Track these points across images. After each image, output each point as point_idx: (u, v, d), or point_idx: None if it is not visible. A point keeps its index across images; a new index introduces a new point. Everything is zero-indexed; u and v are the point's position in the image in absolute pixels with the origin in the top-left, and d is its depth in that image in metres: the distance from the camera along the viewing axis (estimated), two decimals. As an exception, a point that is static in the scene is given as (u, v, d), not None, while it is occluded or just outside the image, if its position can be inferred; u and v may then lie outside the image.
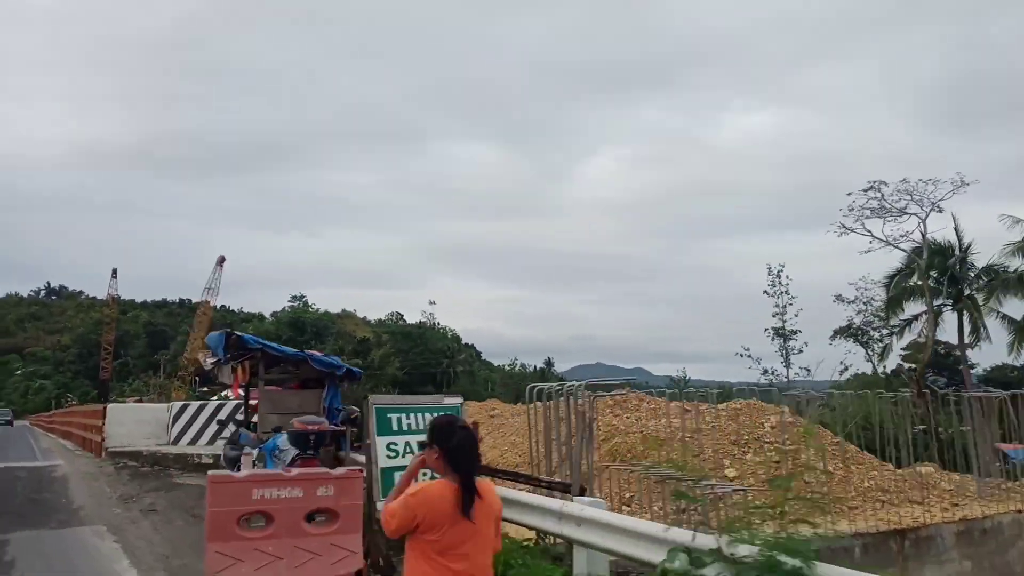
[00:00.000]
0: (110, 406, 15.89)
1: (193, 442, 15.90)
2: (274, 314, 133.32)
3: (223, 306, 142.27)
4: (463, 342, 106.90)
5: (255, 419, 13.03)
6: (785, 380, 32.43)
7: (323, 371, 11.99)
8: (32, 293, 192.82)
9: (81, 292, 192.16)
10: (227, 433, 13.70)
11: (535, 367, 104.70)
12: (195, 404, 16.26)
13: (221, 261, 71.02)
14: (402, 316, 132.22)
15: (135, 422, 16.21)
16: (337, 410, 12.49)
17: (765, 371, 34.67)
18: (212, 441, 15.50)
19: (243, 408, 13.81)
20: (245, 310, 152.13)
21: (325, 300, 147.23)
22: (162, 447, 15.90)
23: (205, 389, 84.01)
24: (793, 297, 32.66)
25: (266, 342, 11.84)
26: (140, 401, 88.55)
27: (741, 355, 33.89)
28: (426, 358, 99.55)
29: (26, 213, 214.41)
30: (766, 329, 33.48)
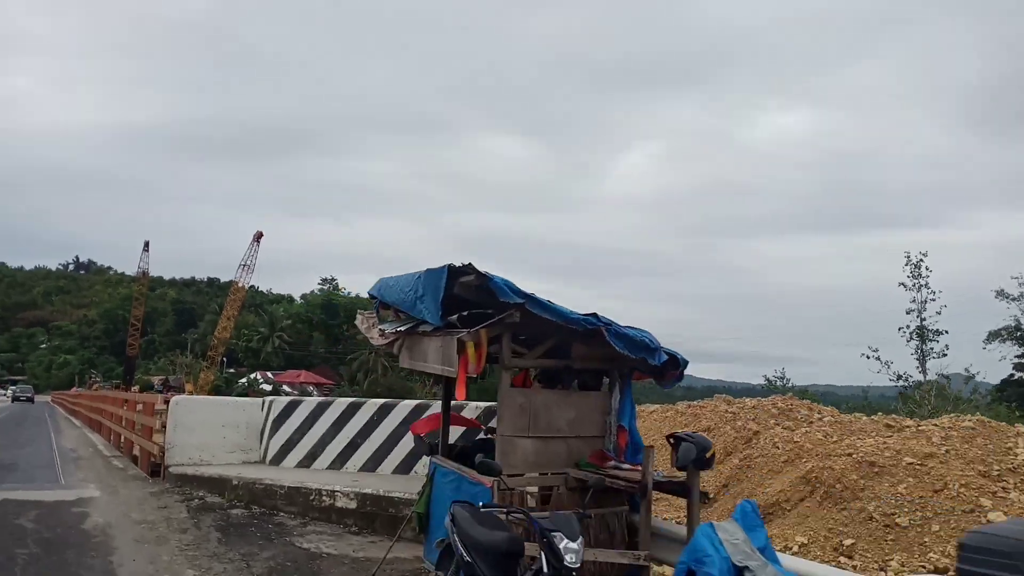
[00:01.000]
0: (177, 401, 9.84)
1: (308, 463, 9.81)
2: (303, 296, 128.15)
3: (252, 286, 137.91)
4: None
5: (454, 437, 7.10)
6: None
7: (625, 356, 5.84)
8: (60, 266, 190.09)
9: (110, 268, 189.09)
10: (425, 464, 7.50)
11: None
12: (308, 401, 10.15)
13: (258, 237, 65.36)
14: None
15: (215, 426, 10.14)
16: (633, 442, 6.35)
17: (899, 376, 28.88)
18: (371, 467, 9.43)
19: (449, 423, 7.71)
20: (274, 291, 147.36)
21: (353, 284, 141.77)
22: (258, 469, 9.87)
23: (232, 370, 78.17)
24: (935, 292, 26.81)
25: (533, 295, 5.69)
26: (166, 382, 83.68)
27: (868, 356, 28.37)
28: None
29: (58, 192, 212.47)
30: (900, 328, 27.74)
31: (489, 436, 7.18)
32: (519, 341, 6.53)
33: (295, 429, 9.93)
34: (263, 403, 10.61)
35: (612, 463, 6.01)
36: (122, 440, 15.22)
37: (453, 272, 5.74)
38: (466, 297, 5.91)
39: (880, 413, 13.57)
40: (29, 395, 69.38)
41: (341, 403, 9.88)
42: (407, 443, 9.28)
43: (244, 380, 75.18)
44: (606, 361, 6.29)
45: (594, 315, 5.77)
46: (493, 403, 9.66)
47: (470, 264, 5.53)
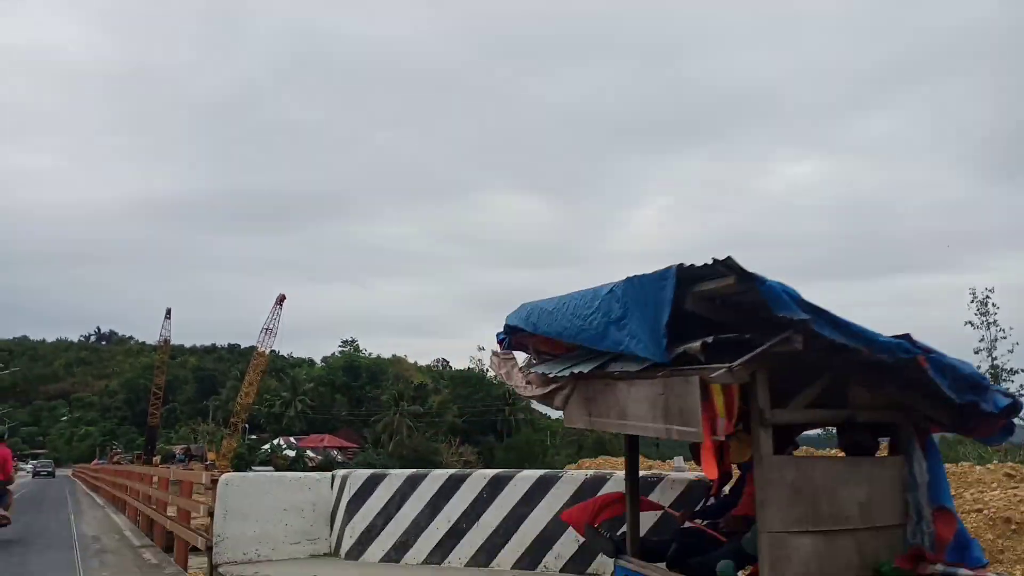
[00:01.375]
0: (227, 481, 7.74)
1: (397, 556, 7.63)
2: (324, 359, 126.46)
3: (273, 351, 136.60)
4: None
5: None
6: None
7: (930, 400, 3.69)
8: (82, 338, 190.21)
9: (131, 337, 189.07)
10: (561, 557, 5.26)
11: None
12: (395, 475, 8.02)
13: (281, 300, 63.98)
14: (448, 363, 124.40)
15: (275, 511, 8.02)
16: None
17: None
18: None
19: (712, 496, 5.49)
20: (295, 355, 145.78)
21: (373, 347, 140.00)
22: (332, 565, 7.71)
23: (254, 436, 75.84)
24: (1006, 329, 24.67)
25: (821, 307, 3.62)
26: (188, 451, 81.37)
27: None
28: (487, 404, 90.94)
29: (81, 264, 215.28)
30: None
31: (694, 524, 5.03)
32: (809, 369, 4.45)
33: (378, 512, 7.78)
34: (333, 479, 8.49)
35: (939, 569, 3.86)
36: (152, 524, 13.07)
37: (686, 275, 3.72)
38: (701, 315, 3.88)
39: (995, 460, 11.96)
40: (50, 469, 67.56)
41: (438, 476, 7.72)
42: (530, 528, 7.12)
43: (267, 446, 72.84)
44: (893, 408, 4.19)
45: (907, 336, 3.70)
46: (497, 470, 7.60)
47: (727, 258, 3.51)
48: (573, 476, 7.36)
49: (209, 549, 8.09)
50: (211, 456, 64.99)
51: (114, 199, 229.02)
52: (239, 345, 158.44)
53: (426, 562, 7.48)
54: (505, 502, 7.30)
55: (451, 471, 8.01)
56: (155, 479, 14.22)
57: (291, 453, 70.72)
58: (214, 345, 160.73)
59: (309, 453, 72.35)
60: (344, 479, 8.20)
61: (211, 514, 8.16)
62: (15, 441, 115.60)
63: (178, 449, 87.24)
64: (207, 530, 8.50)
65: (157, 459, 71.55)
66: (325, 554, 8.21)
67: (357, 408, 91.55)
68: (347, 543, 7.93)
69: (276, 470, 71.10)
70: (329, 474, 8.70)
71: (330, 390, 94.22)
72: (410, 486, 7.72)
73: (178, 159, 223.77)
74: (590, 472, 7.63)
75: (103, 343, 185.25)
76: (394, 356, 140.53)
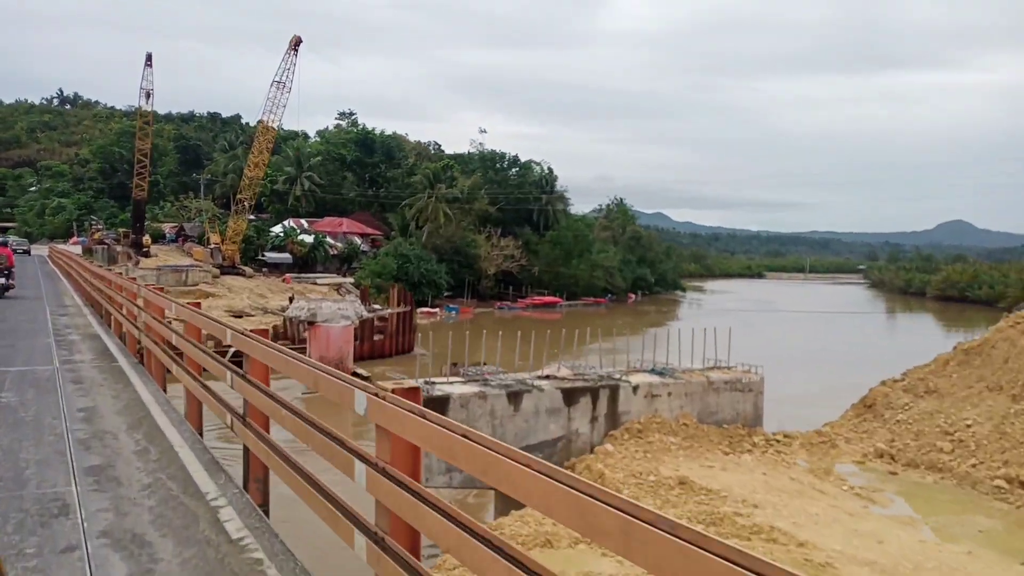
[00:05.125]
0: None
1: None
2: (320, 133, 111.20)
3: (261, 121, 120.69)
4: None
5: None
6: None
7: None
8: (44, 100, 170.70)
9: (97, 102, 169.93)
10: None
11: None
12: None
13: (296, 43, 48.96)
14: (440, 147, 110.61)
15: None
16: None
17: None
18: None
19: None
20: (284, 127, 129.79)
21: (375, 124, 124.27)
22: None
23: (252, 217, 62.94)
24: None
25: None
26: (181, 231, 69.83)
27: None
28: (524, 192, 79.31)
29: (35, 29, 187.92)
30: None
31: None
32: None
33: None
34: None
35: None
36: None
37: None
38: None
39: None
40: (25, 248, 57.15)
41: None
42: None
43: (279, 229, 61.75)
44: None
45: None
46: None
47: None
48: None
49: None
50: (214, 239, 54.03)
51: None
52: (220, 114, 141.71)
53: None
54: None
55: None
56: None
57: (307, 239, 59.74)
58: (192, 113, 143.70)
59: (328, 240, 61.47)
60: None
61: None
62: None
63: (168, 228, 75.90)
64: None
65: (147, 239, 60.60)
66: None
67: (373, 189, 79.51)
68: None
69: (293, 257, 60.80)
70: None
71: (339, 167, 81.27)
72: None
73: None
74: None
75: (67, 107, 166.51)
76: (395, 134, 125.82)
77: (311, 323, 25.15)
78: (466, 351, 16.85)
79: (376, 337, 32.38)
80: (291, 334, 32.45)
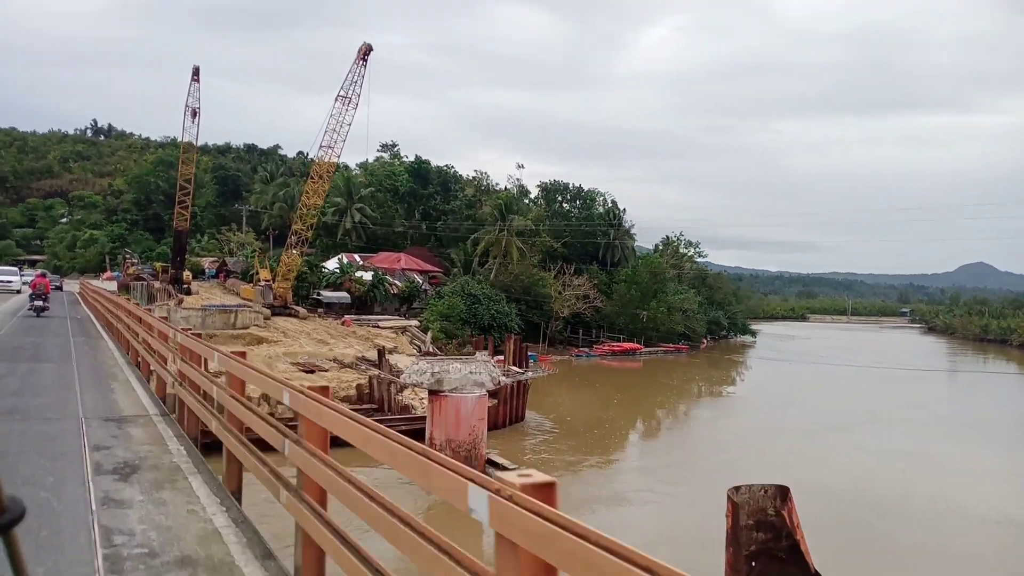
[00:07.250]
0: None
1: None
2: (360, 165, 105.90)
3: (302, 152, 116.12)
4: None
5: None
6: None
7: None
8: (78, 131, 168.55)
9: (132, 133, 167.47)
10: None
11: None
12: None
13: (366, 52, 43.05)
14: (492, 180, 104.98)
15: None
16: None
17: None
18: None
19: None
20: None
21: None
22: None
23: (296, 252, 54.02)
24: None
25: None
26: (223, 266, 63.61)
27: None
28: (591, 225, 72.58)
29: (68, 63, 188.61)
30: None
31: None
32: None
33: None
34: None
35: None
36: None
37: None
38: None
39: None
40: (57, 284, 49.98)
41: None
42: None
43: (334, 264, 55.41)
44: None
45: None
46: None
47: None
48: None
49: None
50: (264, 275, 47.72)
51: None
52: (256, 146, 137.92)
53: None
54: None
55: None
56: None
57: (366, 276, 53.21)
58: (229, 144, 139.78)
59: (388, 278, 54.94)
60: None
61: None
62: (8, 244, 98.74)
63: (207, 263, 69.99)
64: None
65: (188, 274, 54.53)
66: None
67: (429, 222, 73.25)
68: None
69: (351, 296, 54.29)
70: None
71: (391, 198, 75.28)
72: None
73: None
74: None
75: (102, 137, 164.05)
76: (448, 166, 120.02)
77: (434, 392, 18.28)
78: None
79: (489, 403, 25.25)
80: (379, 396, 25.66)
